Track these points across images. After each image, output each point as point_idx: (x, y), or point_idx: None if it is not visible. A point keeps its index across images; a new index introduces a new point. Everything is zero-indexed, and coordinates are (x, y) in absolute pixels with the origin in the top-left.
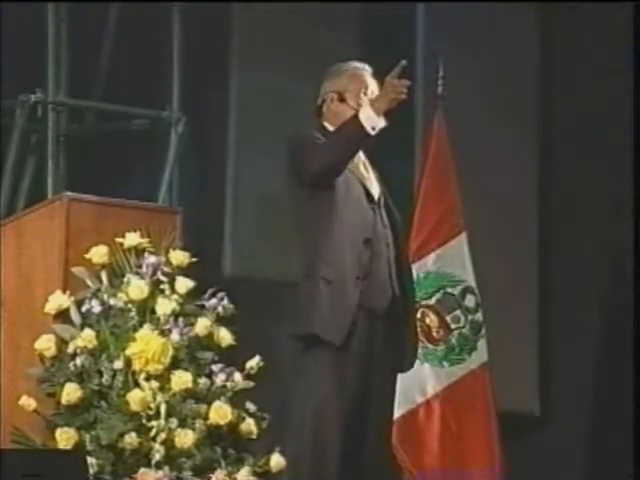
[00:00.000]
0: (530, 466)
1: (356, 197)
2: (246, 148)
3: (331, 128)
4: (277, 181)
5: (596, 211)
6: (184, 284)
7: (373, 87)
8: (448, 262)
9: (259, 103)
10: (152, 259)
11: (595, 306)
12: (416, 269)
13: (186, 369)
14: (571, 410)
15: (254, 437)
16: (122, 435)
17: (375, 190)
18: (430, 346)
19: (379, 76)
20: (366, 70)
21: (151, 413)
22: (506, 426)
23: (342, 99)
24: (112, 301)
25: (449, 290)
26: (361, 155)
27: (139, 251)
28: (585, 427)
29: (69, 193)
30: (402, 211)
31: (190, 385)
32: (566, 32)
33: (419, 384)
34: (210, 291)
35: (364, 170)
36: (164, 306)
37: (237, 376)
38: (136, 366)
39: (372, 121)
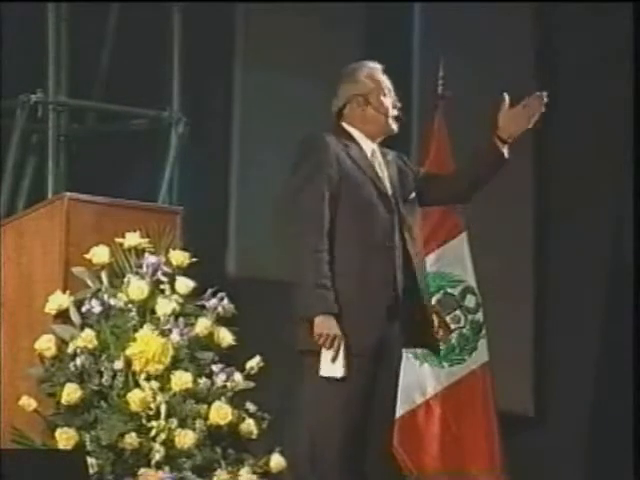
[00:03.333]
0: (524, 466)
1: (366, 199)
2: (250, 148)
3: (354, 131)
4: (282, 180)
5: (595, 210)
6: (184, 284)
7: (389, 84)
8: (448, 262)
9: (263, 102)
10: (152, 259)
11: (591, 306)
12: None
13: (186, 369)
14: (566, 411)
15: (254, 437)
16: (122, 435)
17: (389, 190)
18: None
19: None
20: (378, 69)
21: (151, 413)
22: (500, 426)
23: (368, 102)
24: (112, 301)
25: (449, 290)
26: (378, 154)
27: (139, 251)
28: (580, 428)
29: (69, 193)
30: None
31: (190, 385)
32: (565, 31)
33: (419, 384)
34: (210, 291)
35: (379, 169)
36: (164, 306)
37: (237, 376)
38: (136, 366)
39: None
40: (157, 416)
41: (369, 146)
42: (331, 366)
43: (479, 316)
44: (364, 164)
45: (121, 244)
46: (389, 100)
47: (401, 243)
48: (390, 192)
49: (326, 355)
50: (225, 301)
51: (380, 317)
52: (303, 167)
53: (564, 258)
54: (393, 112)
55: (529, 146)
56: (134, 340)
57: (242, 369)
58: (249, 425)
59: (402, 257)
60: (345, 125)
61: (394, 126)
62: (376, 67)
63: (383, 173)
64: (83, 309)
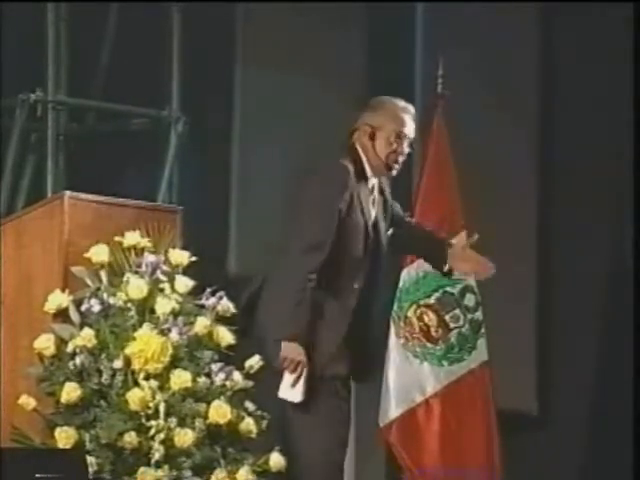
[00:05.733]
0: (528, 465)
1: (355, 240)
2: (250, 148)
3: (364, 158)
4: (281, 179)
5: (597, 210)
6: (184, 283)
7: (409, 131)
8: None
9: (263, 102)
10: (151, 258)
11: (594, 305)
12: (415, 268)
13: (185, 368)
14: (569, 410)
15: (253, 436)
16: (121, 434)
17: (371, 230)
18: (429, 345)
19: (379, 76)
20: (408, 112)
21: (150, 412)
22: (504, 425)
23: (374, 136)
24: (111, 300)
25: (448, 289)
26: (376, 190)
27: (138, 250)
28: (583, 427)
29: (69, 192)
30: (402, 211)
31: (189, 384)
32: (565, 31)
33: (418, 383)
34: (209, 290)
35: (372, 208)
36: (163, 305)
37: (236, 375)
38: (135, 365)
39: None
40: (156, 415)
41: (371, 180)
42: (290, 390)
43: (478, 315)
44: (365, 204)
45: (120, 243)
46: (398, 146)
47: (367, 283)
48: (372, 233)
49: (288, 378)
50: (224, 300)
51: (352, 345)
52: (323, 190)
53: (568, 256)
54: (395, 157)
55: (531, 146)
56: (133, 339)
57: (241, 368)
58: (248, 424)
59: (362, 298)
60: (358, 147)
61: (389, 172)
62: (405, 107)
63: (372, 212)
64: (82, 308)
